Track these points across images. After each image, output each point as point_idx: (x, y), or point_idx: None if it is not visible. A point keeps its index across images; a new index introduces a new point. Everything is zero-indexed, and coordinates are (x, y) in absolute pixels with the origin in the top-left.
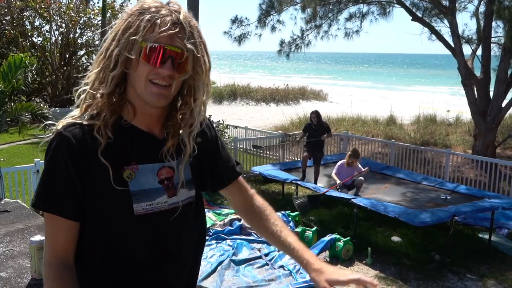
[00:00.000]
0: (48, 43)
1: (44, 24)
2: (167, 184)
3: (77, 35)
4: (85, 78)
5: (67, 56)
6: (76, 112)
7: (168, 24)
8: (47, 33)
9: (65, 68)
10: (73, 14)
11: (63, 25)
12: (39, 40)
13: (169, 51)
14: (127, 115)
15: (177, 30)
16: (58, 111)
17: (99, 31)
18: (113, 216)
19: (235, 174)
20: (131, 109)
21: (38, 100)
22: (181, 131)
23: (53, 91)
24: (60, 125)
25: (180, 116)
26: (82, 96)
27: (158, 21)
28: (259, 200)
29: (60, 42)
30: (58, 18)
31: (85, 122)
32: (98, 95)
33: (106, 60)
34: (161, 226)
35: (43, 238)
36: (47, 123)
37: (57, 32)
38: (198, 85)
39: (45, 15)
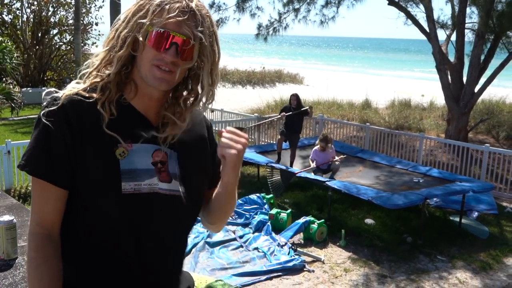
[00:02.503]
0: (19, 21)
1: (14, 1)
2: (160, 167)
3: (49, 13)
4: (93, 56)
5: (40, 35)
6: (80, 84)
7: (177, 11)
8: (18, 11)
9: (37, 47)
10: None
11: (35, 2)
12: (10, 18)
13: (174, 37)
14: (128, 93)
15: (185, 17)
16: (30, 91)
17: (72, 9)
18: (101, 192)
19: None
20: (133, 88)
21: (9, 80)
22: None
23: (25, 70)
24: (62, 93)
25: (184, 101)
26: (88, 70)
27: (167, 6)
28: None
29: (32, 20)
30: None
31: (88, 95)
32: (105, 73)
33: (115, 41)
34: (149, 208)
35: (11, 218)
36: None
37: (28, 10)
38: (203, 74)
39: None
